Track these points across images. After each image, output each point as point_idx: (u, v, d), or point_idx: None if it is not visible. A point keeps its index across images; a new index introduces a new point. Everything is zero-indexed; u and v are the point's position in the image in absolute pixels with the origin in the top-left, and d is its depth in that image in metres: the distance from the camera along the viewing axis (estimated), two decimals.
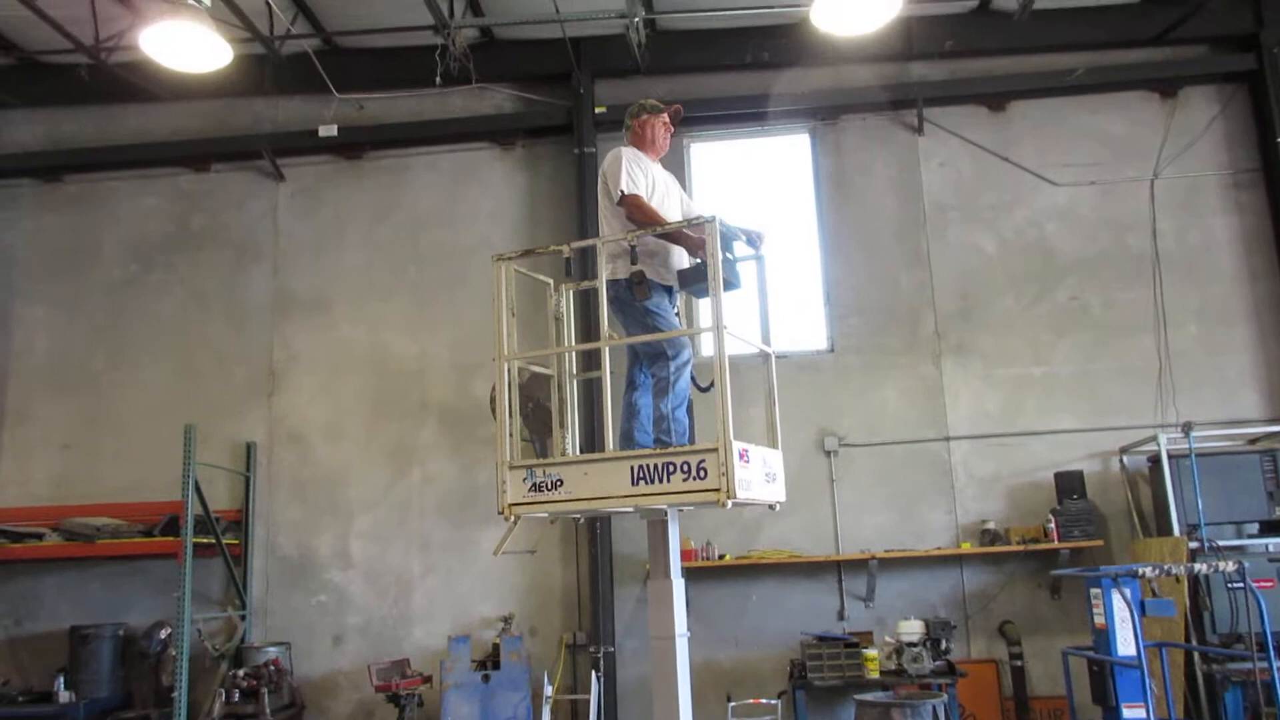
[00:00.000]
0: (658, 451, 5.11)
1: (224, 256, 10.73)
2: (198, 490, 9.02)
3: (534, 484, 5.28)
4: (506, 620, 9.49)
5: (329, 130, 10.50)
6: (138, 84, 9.96)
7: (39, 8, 8.65)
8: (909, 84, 10.10)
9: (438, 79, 9.59)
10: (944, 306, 9.84)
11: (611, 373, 5.50)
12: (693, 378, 5.68)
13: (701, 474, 4.90)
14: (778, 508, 5.64)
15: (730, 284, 5.36)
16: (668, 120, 5.97)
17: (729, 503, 4.87)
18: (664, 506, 5.33)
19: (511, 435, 5.46)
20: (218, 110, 10.82)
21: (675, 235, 5.53)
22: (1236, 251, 9.71)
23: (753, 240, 5.85)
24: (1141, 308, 9.65)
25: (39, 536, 9.63)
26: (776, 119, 10.24)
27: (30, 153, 10.93)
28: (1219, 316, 9.60)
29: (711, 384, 5.13)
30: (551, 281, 6.27)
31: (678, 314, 5.81)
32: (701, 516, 9.49)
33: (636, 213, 5.48)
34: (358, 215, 10.67)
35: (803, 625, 9.05)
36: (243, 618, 9.81)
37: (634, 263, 5.44)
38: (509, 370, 5.55)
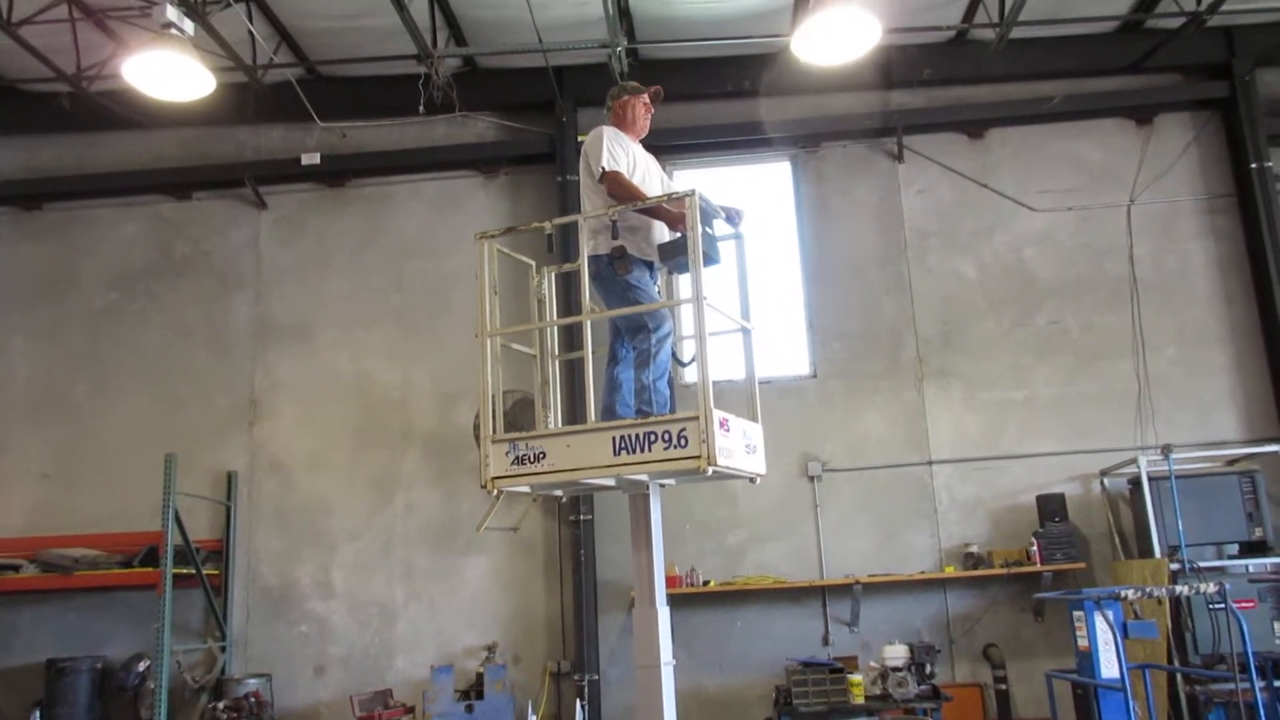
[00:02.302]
0: (639, 421, 5.12)
1: (206, 285, 10.69)
2: (178, 520, 8.94)
3: (516, 457, 5.27)
4: (490, 649, 9.42)
5: (312, 158, 10.52)
6: (119, 112, 9.96)
7: (20, 36, 8.65)
8: (889, 112, 10.22)
9: (421, 107, 9.65)
10: (925, 331, 9.91)
11: (594, 351, 5.51)
12: (674, 353, 5.72)
13: (683, 442, 4.91)
14: (758, 481, 5.64)
15: (710, 259, 5.38)
16: (648, 101, 6.07)
17: (710, 469, 4.87)
18: (645, 477, 5.32)
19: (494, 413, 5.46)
20: (200, 138, 10.81)
21: (656, 210, 5.58)
22: (1213, 275, 9.84)
23: (732, 218, 5.93)
24: (1120, 331, 9.74)
25: (15, 568, 9.54)
26: (758, 147, 10.34)
27: (9, 181, 10.87)
28: (1196, 340, 9.71)
29: (693, 359, 5.14)
30: (534, 263, 6.34)
31: (659, 289, 5.87)
32: (685, 541, 9.49)
33: (617, 189, 5.54)
34: (340, 243, 10.67)
35: (788, 651, 9.02)
36: (223, 649, 9.69)
37: (615, 238, 5.50)
38: (491, 346, 5.59)
